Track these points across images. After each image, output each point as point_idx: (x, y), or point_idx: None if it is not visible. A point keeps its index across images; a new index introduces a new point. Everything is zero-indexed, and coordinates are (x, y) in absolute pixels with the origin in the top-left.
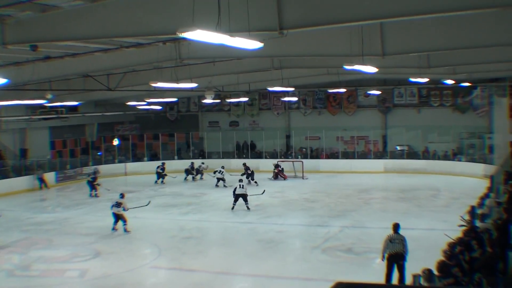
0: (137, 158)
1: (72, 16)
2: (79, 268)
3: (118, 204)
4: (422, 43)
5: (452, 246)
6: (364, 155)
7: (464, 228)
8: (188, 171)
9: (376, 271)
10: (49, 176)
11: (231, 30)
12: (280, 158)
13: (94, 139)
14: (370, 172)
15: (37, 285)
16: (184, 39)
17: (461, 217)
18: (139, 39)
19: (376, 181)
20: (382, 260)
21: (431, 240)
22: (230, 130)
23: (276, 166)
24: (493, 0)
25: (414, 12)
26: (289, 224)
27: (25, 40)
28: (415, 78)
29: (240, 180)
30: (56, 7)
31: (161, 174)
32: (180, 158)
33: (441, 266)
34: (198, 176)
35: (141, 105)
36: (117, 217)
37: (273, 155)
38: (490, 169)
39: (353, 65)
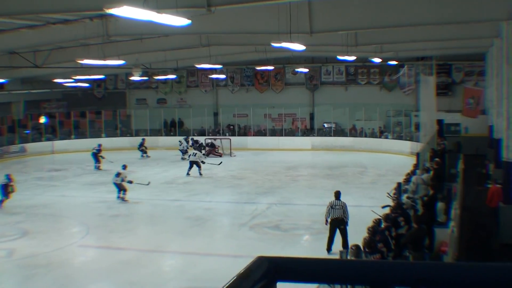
0: (64, 136)
1: None
2: (6, 248)
3: (118, 174)
4: (349, 21)
5: (377, 222)
6: (291, 133)
7: (389, 208)
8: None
9: (304, 247)
10: None
11: (159, 7)
12: (208, 135)
13: (21, 117)
14: (298, 150)
15: None
16: (111, 15)
17: (388, 193)
18: (66, 15)
19: (303, 158)
20: (326, 224)
21: (358, 217)
22: (158, 107)
23: (211, 145)
24: None
25: None
26: (216, 201)
27: None
28: (343, 56)
29: (194, 149)
30: None
31: (144, 150)
32: (108, 136)
33: (367, 242)
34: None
35: (68, 83)
36: (119, 187)
37: (201, 133)
38: (416, 146)
39: (280, 43)
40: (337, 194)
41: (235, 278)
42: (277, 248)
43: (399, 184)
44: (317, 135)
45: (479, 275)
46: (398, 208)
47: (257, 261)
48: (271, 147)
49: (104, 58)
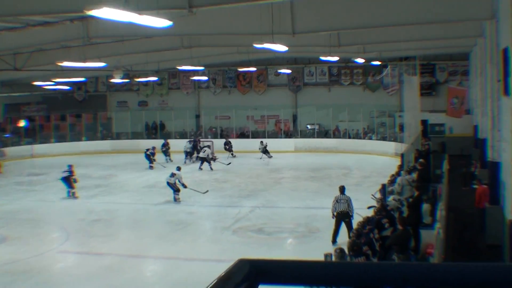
0: (44, 140)
1: None
2: None
3: (172, 175)
4: (332, 22)
5: (361, 224)
6: (274, 134)
7: (374, 209)
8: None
9: (288, 251)
10: None
11: (139, 8)
12: (190, 138)
13: (0, 120)
14: (281, 152)
15: None
16: (91, 17)
17: (372, 195)
18: (46, 17)
19: (287, 160)
20: (332, 218)
21: None
22: (139, 110)
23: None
24: None
25: None
26: (199, 205)
27: None
28: (326, 56)
29: (204, 147)
30: None
31: (150, 158)
32: (89, 139)
33: (352, 245)
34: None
35: (49, 85)
36: (172, 187)
37: (182, 135)
38: (401, 147)
39: (263, 44)
40: (342, 189)
41: (216, 281)
42: (260, 252)
43: (383, 186)
44: (300, 137)
45: (466, 274)
46: (382, 209)
47: (238, 263)
48: (254, 149)
49: (84, 60)
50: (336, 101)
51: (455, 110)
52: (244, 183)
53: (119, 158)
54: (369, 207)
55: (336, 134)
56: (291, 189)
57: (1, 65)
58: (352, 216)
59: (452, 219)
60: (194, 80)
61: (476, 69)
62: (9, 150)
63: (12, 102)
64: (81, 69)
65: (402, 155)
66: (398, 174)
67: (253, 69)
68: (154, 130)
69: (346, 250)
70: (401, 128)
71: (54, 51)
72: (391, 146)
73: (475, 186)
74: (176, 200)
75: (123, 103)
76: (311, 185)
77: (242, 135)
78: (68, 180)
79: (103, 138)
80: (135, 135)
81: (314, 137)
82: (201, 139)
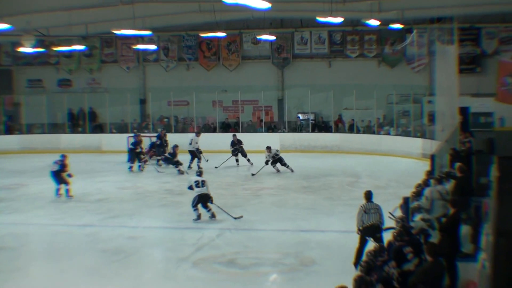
0: None
1: None
2: None
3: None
4: None
5: (373, 254)
6: (252, 127)
7: (393, 231)
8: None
9: None
10: None
11: None
12: (132, 132)
13: None
14: (261, 151)
15: None
16: None
17: (390, 213)
18: None
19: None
20: (357, 233)
21: (348, 247)
22: (60, 92)
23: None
24: None
25: None
26: (145, 226)
27: None
28: (325, 17)
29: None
30: None
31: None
32: None
33: (359, 283)
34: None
35: None
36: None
37: (121, 128)
38: (430, 146)
39: None
40: (369, 195)
41: None
42: None
43: (406, 200)
44: (289, 131)
45: None
46: (404, 233)
47: None
48: (222, 148)
49: None
50: (340, 80)
51: (508, 93)
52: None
53: (30, 160)
54: (385, 230)
55: (339, 127)
56: (276, 205)
57: None
58: (382, 229)
59: (503, 247)
60: (138, 49)
61: None
62: None
63: None
64: None
65: (432, 157)
66: (426, 183)
67: (222, 34)
68: (81, 120)
69: None
70: (431, 119)
71: None
72: (417, 145)
73: None
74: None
75: (37, 82)
76: (303, 198)
77: (207, 128)
78: (59, 175)
79: (8, 131)
80: (54, 128)
81: (307, 131)
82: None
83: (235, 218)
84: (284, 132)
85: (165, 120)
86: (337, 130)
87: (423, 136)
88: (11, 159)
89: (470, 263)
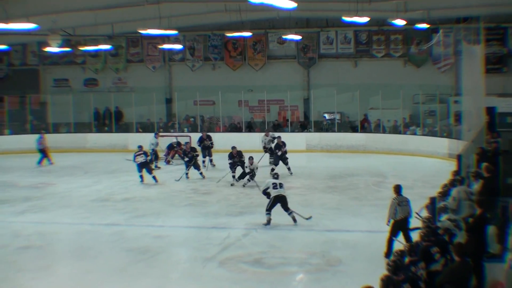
0: None
1: None
2: None
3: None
4: None
5: (400, 254)
6: (278, 127)
7: (419, 232)
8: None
9: None
10: None
11: None
12: (158, 131)
13: None
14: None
15: None
16: None
17: (417, 213)
18: None
19: (295, 163)
20: (387, 224)
21: (374, 247)
22: (86, 91)
23: (172, 147)
24: None
25: None
26: (171, 226)
27: None
28: (351, 17)
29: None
30: None
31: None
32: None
33: (386, 283)
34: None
35: None
36: None
37: (147, 128)
38: (457, 146)
39: None
40: (399, 188)
41: None
42: None
43: (432, 200)
44: (315, 131)
45: None
46: (431, 234)
47: None
48: (248, 148)
49: (7, 20)
50: (366, 80)
51: None
52: (235, 196)
53: (57, 159)
54: (412, 230)
55: (365, 126)
56: (302, 204)
57: None
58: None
59: None
60: (164, 49)
61: None
62: None
63: None
64: (2, 33)
65: (459, 157)
66: (453, 184)
67: (247, 34)
68: (107, 120)
69: None
70: (458, 118)
71: None
72: (443, 144)
73: None
74: None
75: (63, 81)
76: (329, 198)
77: (233, 127)
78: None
79: (34, 130)
80: (80, 127)
81: (333, 131)
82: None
83: (307, 219)
84: (310, 131)
85: (191, 119)
86: (363, 130)
87: (449, 136)
88: (38, 158)
89: (497, 263)
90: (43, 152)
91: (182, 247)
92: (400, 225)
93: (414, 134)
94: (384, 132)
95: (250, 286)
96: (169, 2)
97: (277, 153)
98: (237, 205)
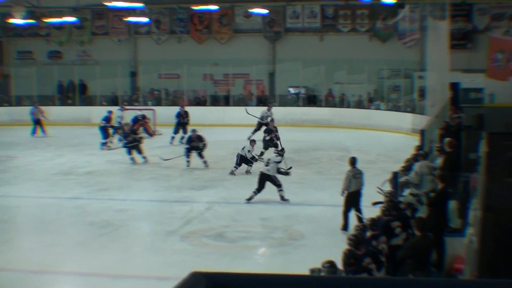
0: None
1: None
2: None
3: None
4: None
5: (362, 228)
6: (243, 101)
7: (381, 206)
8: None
9: (259, 264)
10: None
11: None
12: (122, 105)
13: None
14: (252, 126)
15: None
16: None
17: (379, 188)
18: None
19: (259, 137)
20: (342, 195)
21: (336, 221)
22: (50, 64)
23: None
24: None
25: None
26: (133, 199)
27: None
28: None
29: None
30: None
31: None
32: None
33: (347, 256)
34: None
35: None
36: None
37: (112, 101)
38: (420, 121)
39: None
40: (354, 160)
41: None
42: (220, 266)
43: (395, 175)
44: (280, 105)
45: None
46: (392, 208)
47: (191, 278)
48: (213, 122)
49: None
50: (331, 54)
51: (499, 69)
52: (198, 169)
53: (20, 132)
54: (374, 204)
55: (330, 101)
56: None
57: None
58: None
59: (490, 222)
60: (129, 22)
61: None
62: None
63: None
64: None
65: (422, 132)
66: (415, 158)
67: (214, 7)
68: (71, 93)
69: (340, 264)
70: (422, 94)
71: None
72: (406, 119)
73: None
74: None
75: (27, 54)
76: (293, 172)
77: (198, 101)
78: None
79: None
80: (44, 100)
81: (298, 105)
82: (133, 108)
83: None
84: (274, 105)
85: (156, 93)
86: (328, 104)
87: (413, 111)
88: (0, 131)
89: (457, 238)
90: (38, 123)
91: (145, 221)
92: (353, 197)
93: (378, 109)
94: (348, 106)
95: (212, 259)
96: None
97: (265, 137)
98: (200, 178)
